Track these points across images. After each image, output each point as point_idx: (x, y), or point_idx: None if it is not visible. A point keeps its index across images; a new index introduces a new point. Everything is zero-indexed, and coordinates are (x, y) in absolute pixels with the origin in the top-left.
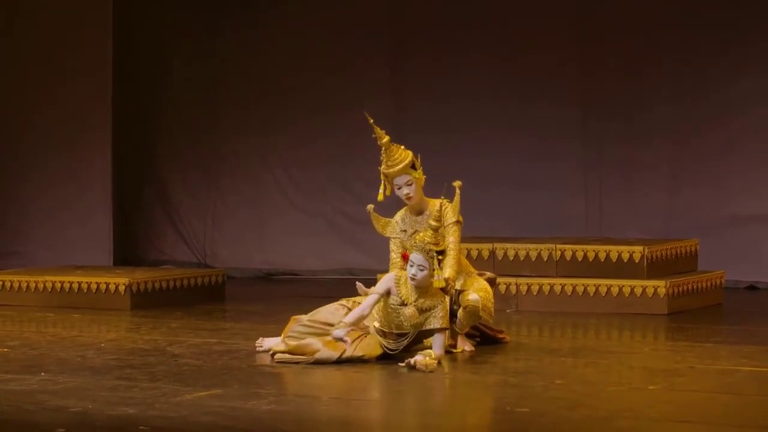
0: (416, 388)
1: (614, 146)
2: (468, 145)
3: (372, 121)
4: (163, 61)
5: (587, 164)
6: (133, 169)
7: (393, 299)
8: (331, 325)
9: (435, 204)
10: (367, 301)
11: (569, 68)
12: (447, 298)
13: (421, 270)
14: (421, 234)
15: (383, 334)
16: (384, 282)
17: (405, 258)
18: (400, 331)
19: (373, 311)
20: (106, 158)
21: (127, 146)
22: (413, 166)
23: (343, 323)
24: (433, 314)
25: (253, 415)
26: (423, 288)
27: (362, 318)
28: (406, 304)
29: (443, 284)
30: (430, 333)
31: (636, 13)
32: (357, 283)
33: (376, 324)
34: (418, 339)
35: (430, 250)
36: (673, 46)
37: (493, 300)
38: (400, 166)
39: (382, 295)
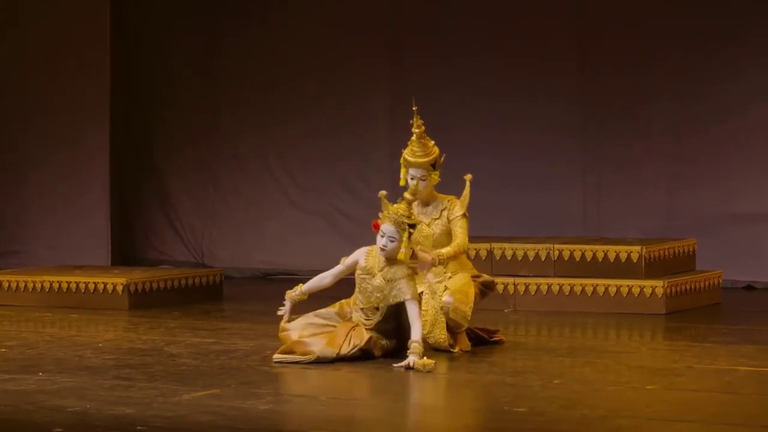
0: (414, 387)
1: (612, 145)
2: (466, 143)
3: (416, 108)
4: (161, 59)
5: (585, 163)
6: (132, 168)
7: (360, 270)
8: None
9: (444, 199)
10: (330, 270)
11: (568, 66)
12: (413, 272)
13: (392, 241)
14: (395, 206)
15: (362, 312)
16: (354, 255)
17: (375, 227)
18: (369, 305)
19: (355, 297)
20: (104, 157)
21: (126, 145)
22: (434, 165)
23: (299, 292)
24: (398, 286)
25: (251, 415)
26: (391, 259)
27: (319, 287)
28: (372, 275)
29: (408, 257)
30: (405, 337)
31: (634, 11)
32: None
33: (357, 303)
34: (400, 333)
35: (402, 222)
36: (671, 44)
37: (471, 303)
38: (424, 160)
39: (348, 267)
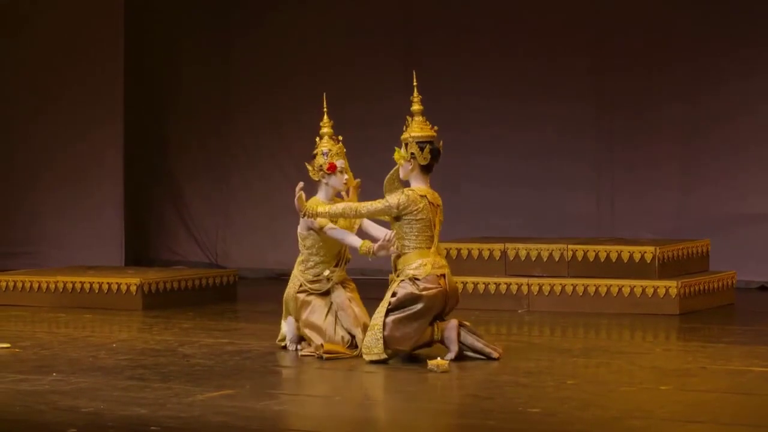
0: (427, 388)
1: (626, 145)
2: (480, 144)
3: (416, 84)
4: (174, 59)
5: (599, 163)
6: (145, 168)
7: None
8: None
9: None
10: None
11: (581, 67)
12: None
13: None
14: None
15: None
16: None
17: (333, 168)
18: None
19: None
20: (117, 157)
21: (138, 145)
22: (405, 145)
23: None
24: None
25: (265, 416)
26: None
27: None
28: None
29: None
30: None
31: (647, 12)
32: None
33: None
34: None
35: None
36: (684, 44)
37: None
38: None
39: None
